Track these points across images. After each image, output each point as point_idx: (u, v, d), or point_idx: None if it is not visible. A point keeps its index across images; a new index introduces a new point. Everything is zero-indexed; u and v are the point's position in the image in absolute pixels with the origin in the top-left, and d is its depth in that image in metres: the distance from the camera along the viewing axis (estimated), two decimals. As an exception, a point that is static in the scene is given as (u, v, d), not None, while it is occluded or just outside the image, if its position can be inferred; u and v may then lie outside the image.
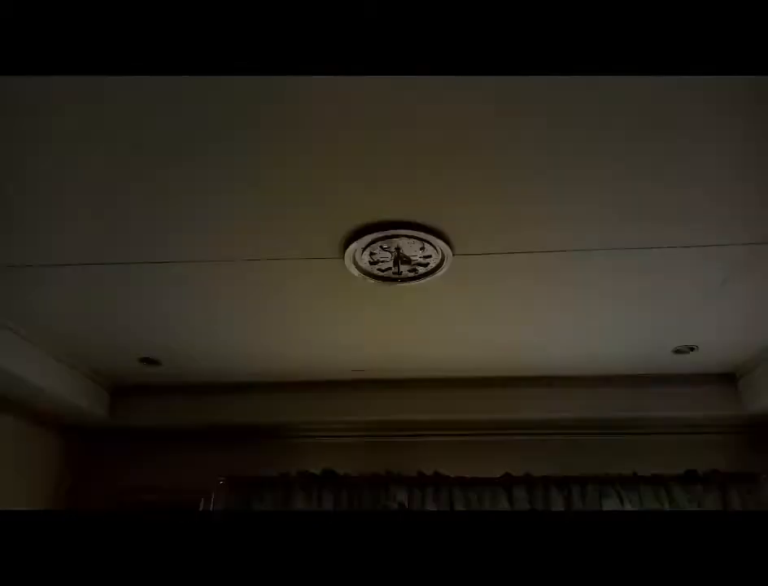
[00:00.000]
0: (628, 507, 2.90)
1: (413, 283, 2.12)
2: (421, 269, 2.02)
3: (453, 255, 1.94)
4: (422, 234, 1.83)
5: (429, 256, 1.95)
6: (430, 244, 1.88)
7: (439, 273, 2.04)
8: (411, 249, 1.91)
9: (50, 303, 2.34)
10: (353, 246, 1.89)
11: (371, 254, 1.94)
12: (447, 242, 1.88)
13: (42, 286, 2.20)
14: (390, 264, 1.99)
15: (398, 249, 1.91)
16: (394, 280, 2.08)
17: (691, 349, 2.71)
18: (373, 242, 1.87)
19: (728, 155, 1.51)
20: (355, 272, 2.04)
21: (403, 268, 2.01)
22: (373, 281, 2.10)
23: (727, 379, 3.03)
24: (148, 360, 2.94)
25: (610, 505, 2.91)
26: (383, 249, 1.91)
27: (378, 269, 2.03)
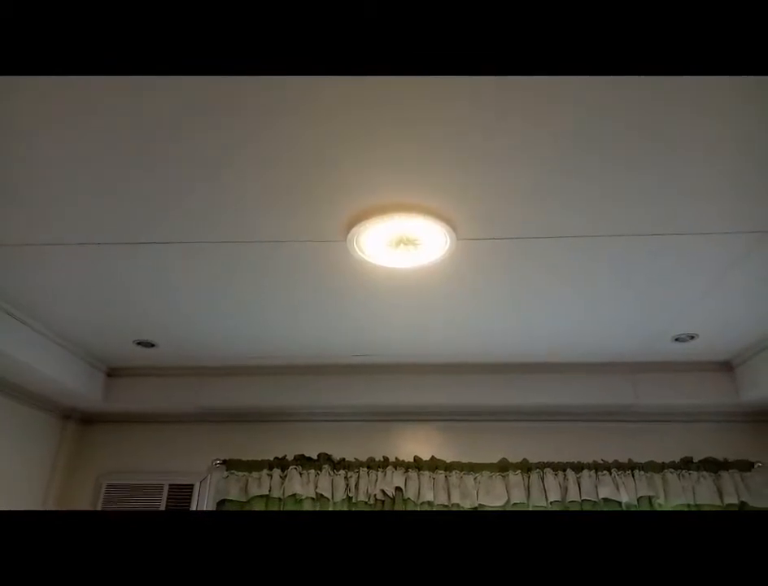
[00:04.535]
0: (623, 493, 2.92)
1: (416, 267, 2.09)
2: (425, 253, 2.00)
3: (457, 239, 1.92)
4: (426, 218, 1.81)
5: (433, 240, 1.92)
6: (434, 228, 1.85)
7: (443, 257, 2.02)
8: (414, 232, 1.89)
9: (45, 284, 2.30)
10: (356, 229, 1.86)
11: (374, 237, 1.91)
12: (452, 225, 1.86)
13: (38, 267, 2.16)
14: (394, 248, 1.96)
15: (401, 233, 1.89)
16: (397, 264, 2.06)
17: (692, 337, 2.72)
18: (377, 225, 1.84)
19: (732, 144, 1.49)
20: (358, 255, 2.01)
21: (406, 251, 1.98)
22: (375, 264, 2.07)
23: (724, 368, 3.05)
24: (144, 343, 2.91)
25: (605, 491, 2.93)
26: (387, 232, 1.89)
27: (381, 253, 2.00)
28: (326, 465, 3.10)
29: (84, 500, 3.22)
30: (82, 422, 3.42)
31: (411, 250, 1.95)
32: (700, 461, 3.01)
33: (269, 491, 3.05)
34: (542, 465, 3.04)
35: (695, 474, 2.98)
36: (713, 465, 2.99)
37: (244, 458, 3.19)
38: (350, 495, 3.04)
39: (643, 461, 3.03)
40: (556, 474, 3.02)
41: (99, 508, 3.15)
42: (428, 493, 2.99)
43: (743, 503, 2.89)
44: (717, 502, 2.90)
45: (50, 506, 3.16)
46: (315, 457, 3.14)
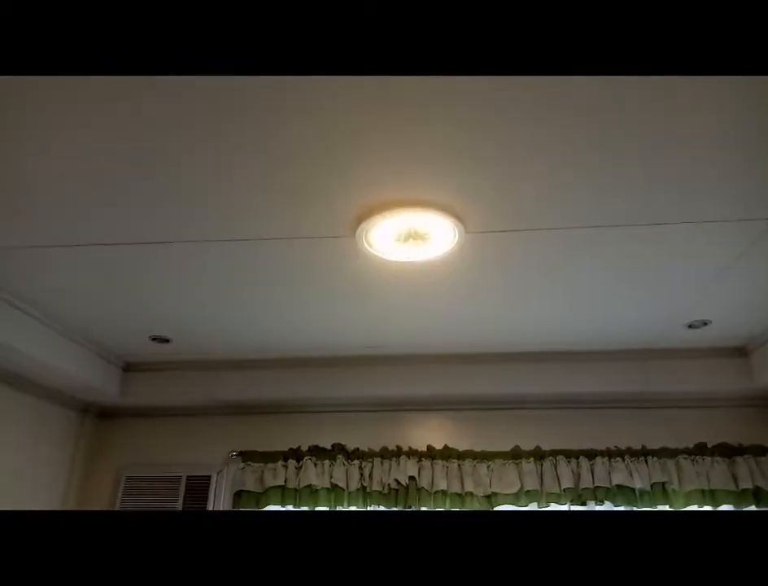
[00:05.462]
0: (637, 479, 2.93)
1: (426, 260, 2.10)
2: (433, 247, 2.00)
3: (466, 232, 1.92)
4: (435, 212, 1.80)
5: (442, 234, 1.92)
6: (443, 222, 1.85)
7: (452, 251, 2.02)
8: (423, 226, 1.89)
9: (62, 283, 2.34)
10: (365, 224, 1.86)
11: (383, 231, 1.91)
12: (460, 219, 1.85)
13: (54, 267, 2.20)
14: (402, 242, 1.97)
15: (410, 227, 1.89)
16: (407, 257, 2.06)
17: (705, 324, 2.70)
18: (385, 219, 1.84)
19: (746, 131, 1.47)
20: (367, 249, 2.02)
21: (415, 245, 1.98)
22: (385, 259, 2.08)
23: (738, 353, 3.02)
24: (159, 339, 2.95)
25: (619, 478, 2.93)
26: (395, 227, 1.89)
27: (390, 247, 2.00)
28: (340, 456, 3.13)
29: (104, 493, 3.29)
30: (100, 417, 3.48)
31: (420, 244, 1.95)
32: (714, 447, 3.00)
33: (285, 482, 3.10)
34: (555, 453, 3.05)
35: (708, 459, 2.97)
36: (727, 451, 2.98)
37: (259, 450, 3.23)
38: (364, 484, 3.08)
39: (656, 448, 3.02)
40: (569, 462, 3.02)
41: (119, 500, 3.22)
42: (441, 482, 3.02)
43: (757, 488, 2.88)
44: (732, 487, 2.89)
45: (71, 499, 3.24)
46: (329, 448, 3.18)
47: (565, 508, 2.96)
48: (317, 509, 3.02)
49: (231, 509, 3.14)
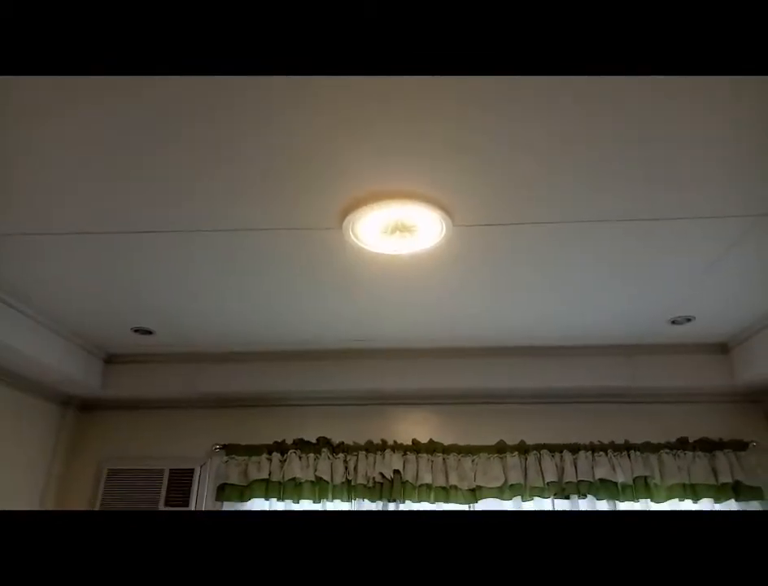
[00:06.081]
0: (619, 473, 2.95)
1: (413, 253, 2.08)
2: (420, 240, 1.99)
3: (453, 225, 1.91)
4: (421, 204, 1.79)
5: (429, 227, 1.91)
6: (430, 214, 1.84)
7: (439, 243, 2.01)
8: (410, 219, 1.87)
9: (42, 273, 2.29)
10: (351, 215, 1.85)
11: (370, 223, 1.90)
12: (448, 212, 1.84)
13: (35, 256, 2.15)
14: (389, 234, 1.95)
15: (397, 219, 1.87)
16: (394, 250, 2.05)
17: (688, 320, 2.72)
18: (372, 212, 1.83)
19: (731, 129, 1.47)
20: (354, 242, 2.00)
21: (403, 238, 1.97)
22: (371, 251, 2.06)
23: (720, 349, 3.06)
24: (141, 330, 2.91)
25: (602, 472, 2.96)
26: (382, 219, 1.87)
27: (377, 239, 1.99)
28: (325, 449, 3.12)
29: (86, 486, 3.24)
30: (81, 409, 3.43)
31: (407, 236, 1.94)
32: (695, 442, 3.04)
33: (269, 475, 3.08)
34: (539, 447, 3.06)
35: (690, 454, 3.01)
36: (707, 446, 3.02)
37: (243, 443, 3.21)
38: (349, 478, 3.07)
39: (639, 442, 3.05)
40: (552, 456, 3.04)
41: (101, 493, 3.18)
42: (426, 476, 3.02)
43: (737, 482, 2.92)
44: (712, 481, 2.93)
45: (52, 493, 3.19)
46: (314, 441, 3.17)
47: (548, 501, 2.98)
48: (301, 502, 3.01)
49: (214, 502, 3.12)
